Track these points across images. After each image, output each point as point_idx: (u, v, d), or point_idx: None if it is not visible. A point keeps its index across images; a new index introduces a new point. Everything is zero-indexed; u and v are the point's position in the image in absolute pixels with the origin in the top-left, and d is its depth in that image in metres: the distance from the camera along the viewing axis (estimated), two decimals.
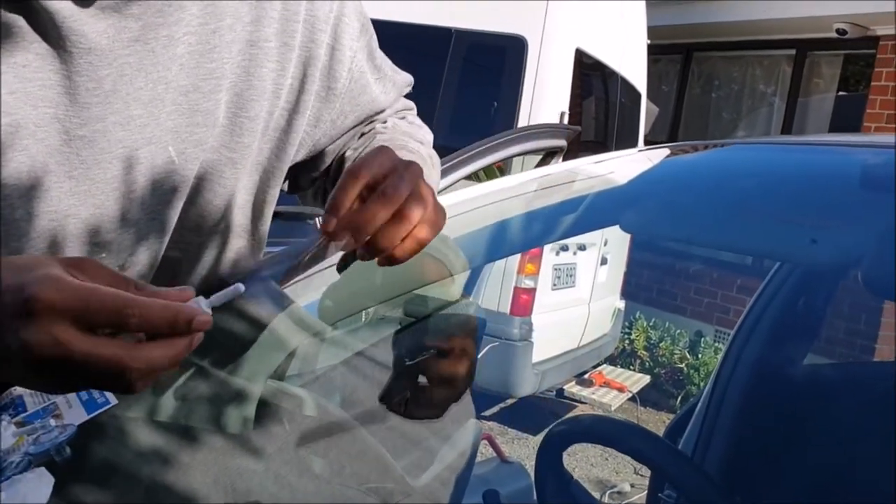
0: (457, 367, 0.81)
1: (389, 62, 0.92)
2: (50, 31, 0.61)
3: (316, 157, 0.89)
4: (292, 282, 1.05)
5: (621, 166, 1.53)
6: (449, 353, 0.81)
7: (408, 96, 0.97)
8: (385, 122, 0.90)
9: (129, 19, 0.64)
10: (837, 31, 5.84)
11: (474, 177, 1.69)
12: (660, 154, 1.61)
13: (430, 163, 0.85)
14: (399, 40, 4.10)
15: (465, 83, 4.13)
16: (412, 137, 0.87)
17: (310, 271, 1.07)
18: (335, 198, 0.66)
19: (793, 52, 6.57)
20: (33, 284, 0.47)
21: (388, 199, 0.66)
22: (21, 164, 0.62)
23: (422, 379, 0.79)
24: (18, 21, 0.60)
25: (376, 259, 0.71)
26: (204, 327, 0.50)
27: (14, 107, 0.61)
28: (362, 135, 0.89)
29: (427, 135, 0.92)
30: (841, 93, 6.48)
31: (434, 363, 0.81)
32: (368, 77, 0.86)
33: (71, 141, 0.64)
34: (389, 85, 0.90)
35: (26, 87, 0.61)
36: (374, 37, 0.88)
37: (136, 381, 0.49)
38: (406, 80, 0.95)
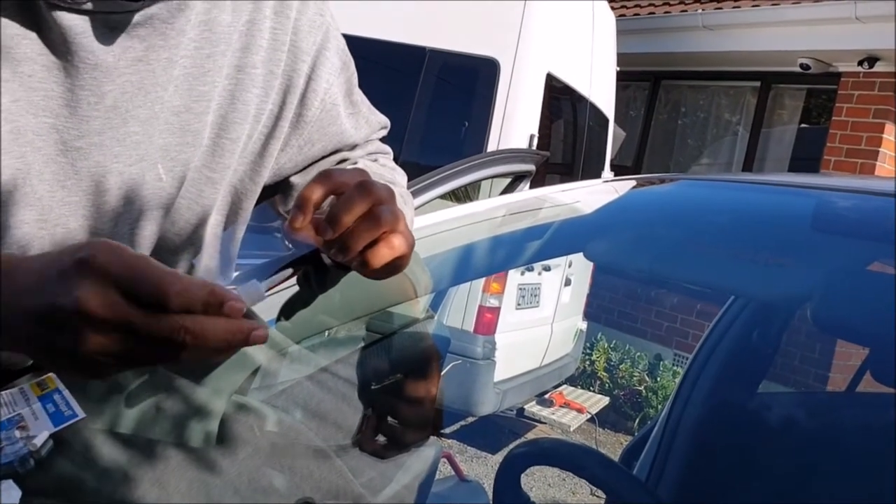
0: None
1: (368, 103, 0.94)
2: (59, 45, 0.62)
3: (285, 190, 0.90)
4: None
5: (587, 196, 1.56)
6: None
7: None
8: (356, 163, 0.91)
9: (135, 40, 0.66)
10: (801, 65, 5.99)
11: (450, 196, 1.71)
12: (625, 186, 1.65)
13: (401, 200, 0.87)
14: (373, 57, 4.12)
15: (438, 102, 4.16)
16: (381, 178, 0.88)
17: (279, 287, 1.08)
18: (304, 195, 0.68)
19: (758, 84, 6.72)
20: (89, 247, 0.49)
21: (360, 197, 0.68)
22: (17, 172, 0.63)
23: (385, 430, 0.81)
24: (30, 34, 0.61)
25: (352, 265, 0.73)
26: (239, 314, 0.51)
27: (16, 114, 0.62)
28: None
29: (400, 176, 0.94)
30: (803, 125, 6.63)
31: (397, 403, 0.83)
32: (341, 110, 0.88)
33: (67, 152, 0.66)
34: (362, 121, 0.92)
35: (30, 96, 0.62)
36: (355, 76, 0.90)
37: (189, 350, 0.50)
38: (381, 121, 0.96)
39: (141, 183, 0.71)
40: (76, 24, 0.62)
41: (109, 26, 0.64)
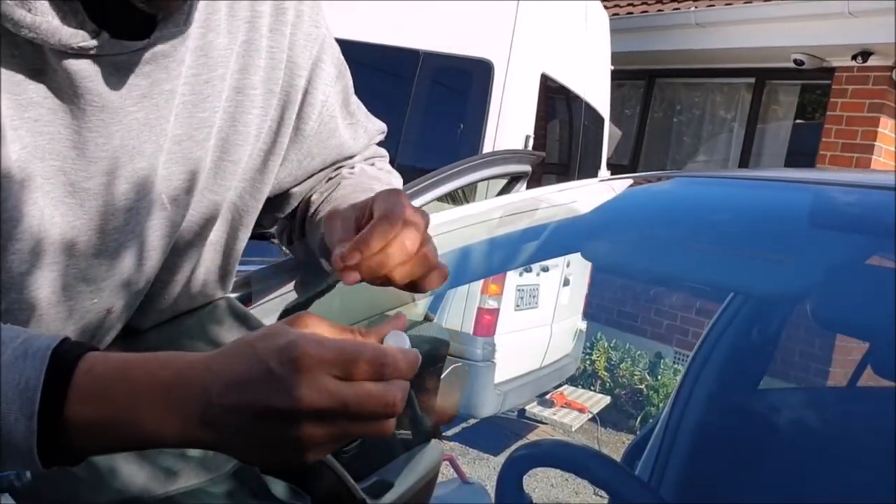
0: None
1: (364, 109, 0.93)
2: (66, 89, 0.61)
3: (281, 199, 0.90)
4: (259, 302, 1.06)
5: (584, 196, 1.56)
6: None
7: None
8: (353, 167, 0.91)
9: (140, 77, 0.65)
10: (795, 61, 6.01)
11: (447, 198, 1.71)
12: (622, 185, 1.65)
13: None
14: (367, 61, 4.11)
15: (432, 105, 4.16)
16: (379, 182, 0.88)
17: (277, 292, 1.08)
18: (366, 241, 0.64)
19: (752, 80, 6.73)
20: (294, 346, 0.48)
21: (406, 251, 0.66)
22: (32, 219, 0.63)
23: None
24: (35, 78, 0.61)
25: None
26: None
27: (25, 161, 0.61)
28: (329, 179, 0.91)
29: (395, 180, 0.94)
30: (798, 121, 6.65)
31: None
32: (339, 122, 0.88)
33: (76, 193, 0.65)
34: (361, 131, 0.92)
35: (37, 140, 0.62)
36: (351, 83, 0.90)
37: (394, 418, 0.51)
38: (379, 127, 0.96)
39: (147, 215, 0.71)
40: (83, 69, 0.61)
41: (116, 67, 0.63)
